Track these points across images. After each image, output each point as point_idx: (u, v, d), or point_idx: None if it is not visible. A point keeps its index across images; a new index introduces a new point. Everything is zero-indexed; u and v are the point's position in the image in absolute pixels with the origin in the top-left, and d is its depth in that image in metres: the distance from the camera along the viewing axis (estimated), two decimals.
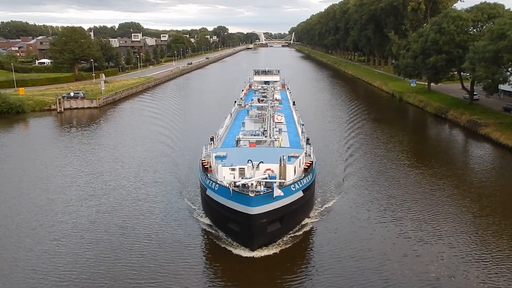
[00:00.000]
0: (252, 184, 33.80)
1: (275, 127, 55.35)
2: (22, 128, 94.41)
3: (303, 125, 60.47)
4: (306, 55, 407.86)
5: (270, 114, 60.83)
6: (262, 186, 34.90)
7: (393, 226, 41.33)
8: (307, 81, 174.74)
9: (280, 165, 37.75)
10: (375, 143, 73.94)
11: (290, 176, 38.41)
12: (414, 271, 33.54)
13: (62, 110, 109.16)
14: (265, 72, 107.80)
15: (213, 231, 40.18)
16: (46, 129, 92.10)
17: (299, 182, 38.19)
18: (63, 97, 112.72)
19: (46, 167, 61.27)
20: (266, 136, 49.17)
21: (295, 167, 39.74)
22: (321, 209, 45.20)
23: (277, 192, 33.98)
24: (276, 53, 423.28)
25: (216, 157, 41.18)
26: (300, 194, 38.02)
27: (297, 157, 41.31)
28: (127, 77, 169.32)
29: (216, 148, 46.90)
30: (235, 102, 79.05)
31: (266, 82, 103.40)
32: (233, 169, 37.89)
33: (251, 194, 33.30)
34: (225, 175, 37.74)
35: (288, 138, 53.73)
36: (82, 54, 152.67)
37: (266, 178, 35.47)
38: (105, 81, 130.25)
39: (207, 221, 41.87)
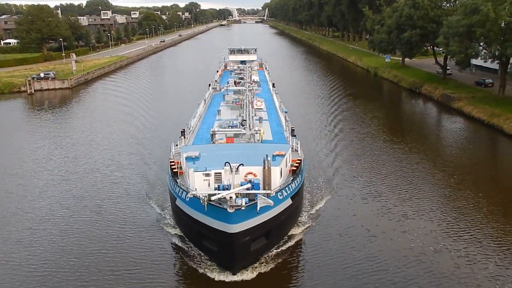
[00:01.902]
0: (230, 197, 27.09)
1: (255, 115, 48.66)
2: None
3: (286, 112, 54.36)
4: (280, 31, 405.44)
5: (249, 100, 53.84)
6: (242, 198, 28.10)
7: (376, 203, 41.58)
8: (282, 58, 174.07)
9: (264, 167, 31.16)
10: (351, 119, 74.36)
11: (276, 181, 32.48)
12: (398, 247, 33.88)
13: (33, 92, 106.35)
14: (241, 51, 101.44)
15: (185, 248, 34.25)
16: (16, 112, 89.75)
17: (287, 188, 32.35)
18: (33, 78, 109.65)
19: (17, 152, 59.79)
20: (245, 128, 42.18)
21: (281, 169, 33.86)
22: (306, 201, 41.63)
23: (262, 204, 28.01)
24: (250, 30, 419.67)
25: (187, 158, 34.59)
26: (288, 202, 32.27)
27: (283, 155, 35.23)
28: (98, 56, 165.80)
29: (187, 145, 40.79)
30: (209, 85, 73.08)
31: (243, 62, 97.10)
32: (207, 175, 31.28)
33: (230, 210, 27.05)
34: (198, 182, 31.24)
35: (270, 129, 47.47)
36: (50, 33, 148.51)
37: (248, 189, 28.59)
38: (76, 61, 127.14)
39: (179, 232, 35.98)
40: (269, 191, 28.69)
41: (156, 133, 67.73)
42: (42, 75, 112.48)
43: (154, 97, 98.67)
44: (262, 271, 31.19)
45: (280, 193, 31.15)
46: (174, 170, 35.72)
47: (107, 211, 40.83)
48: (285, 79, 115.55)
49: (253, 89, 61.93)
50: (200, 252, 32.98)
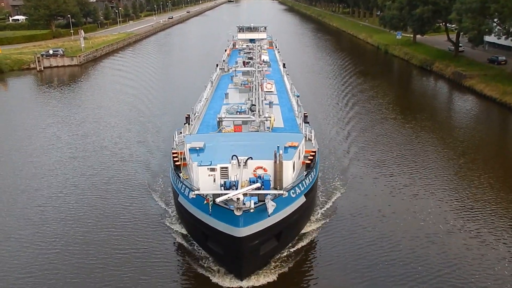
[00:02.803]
0: (238, 199, 24.00)
1: (265, 99, 45.47)
2: (2, 88, 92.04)
3: (298, 96, 50.48)
4: (289, 7, 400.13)
5: (258, 82, 50.15)
6: (251, 198, 24.73)
7: (387, 182, 41.23)
8: (291, 35, 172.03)
9: (275, 162, 28.46)
10: (361, 97, 73.55)
11: (288, 177, 29.73)
12: (410, 228, 33.59)
13: (42, 69, 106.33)
14: (250, 29, 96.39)
15: (189, 247, 31.55)
16: (26, 89, 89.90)
17: (300, 185, 29.47)
18: (42, 55, 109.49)
19: (27, 129, 59.97)
20: (254, 114, 39.11)
21: (294, 163, 30.95)
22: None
23: (273, 206, 25.02)
24: (259, 6, 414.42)
25: (191, 150, 31.59)
26: (302, 200, 29.56)
27: (295, 147, 32.01)
28: (106, 33, 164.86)
29: (192, 134, 37.57)
30: (217, 66, 69.57)
31: (252, 40, 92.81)
32: (212, 170, 28.40)
33: (237, 212, 24.22)
34: (202, 177, 28.54)
35: (281, 115, 44.22)
36: (58, 9, 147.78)
37: (258, 188, 25.65)
38: (85, 38, 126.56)
39: (183, 230, 33.15)
40: (281, 192, 25.64)
41: (164, 110, 67.59)
42: (51, 52, 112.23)
43: (162, 75, 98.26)
44: (275, 277, 28.21)
45: (292, 190, 28.42)
46: (177, 163, 32.59)
47: (116, 189, 40.93)
48: (294, 57, 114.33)
49: (262, 70, 58.52)
50: (205, 253, 30.28)
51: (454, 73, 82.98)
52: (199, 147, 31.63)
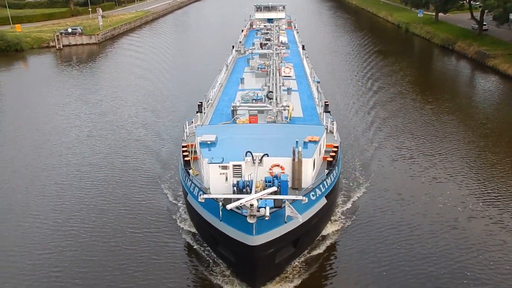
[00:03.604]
0: (251, 205, 21.27)
1: (283, 85, 42.71)
2: (22, 66, 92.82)
3: (318, 82, 46.63)
4: None
5: (276, 66, 47.71)
6: (266, 204, 21.98)
7: (406, 165, 40.55)
8: (309, 13, 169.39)
9: (294, 159, 26.16)
10: (380, 77, 72.22)
11: (308, 176, 27.16)
12: (430, 212, 32.99)
13: (61, 47, 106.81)
14: (268, 8, 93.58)
15: (199, 249, 29.34)
16: (46, 67, 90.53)
17: (321, 186, 26.81)
18: (61, 33, 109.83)
19: (46, 108, 60.46)
20: (271, 103, 36.48)
21: (314, 160, 28.19)
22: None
23: (290, 211, 22.41)
24: None
25: (201, 144, 29.30)
26: (322, 202, 26.95)
27: (316, 142, 29.25)
28: (124, 12, 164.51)
29: (203, 125, 34.98)
30: (233, 47, 66.63)
31: (270, 20, 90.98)
32: (224, 167, 25.83)
33: (251, 220, 21.65)
34: (213, 176, 26.08)
35: (300, 103, 41.03)
36: None
37: (275, 192, 22.78)
38: (103, 16, 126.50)
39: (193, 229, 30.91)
40: (300, 197, 22.28)
41: (181, 89, 67.39)
42: (69, 30, 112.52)
43: (179, 54, 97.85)
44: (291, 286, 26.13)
45: (312, 192, 25.75)
46: (186, 159, 29.93)
47: (132, 168, 41.03)
48: (312, 36, 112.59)
49: (280, 52, 56.46)
50: (215, 256, 28.08)
51: (477, 53, 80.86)
52: (210, 141, 29.35)
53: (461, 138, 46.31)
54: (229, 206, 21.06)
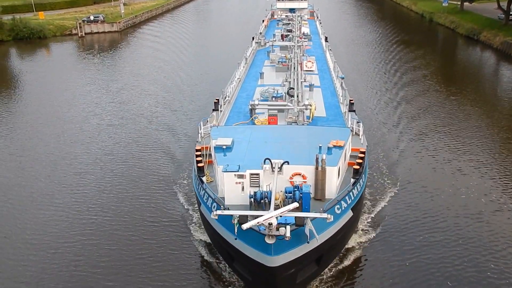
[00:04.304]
0: (270, 224, 19.05)
1: (304, 81, 40.60)
2: (45, 53, 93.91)
3: (343, 78, 43.56)
4: None
5: (297, 60, 45.14)
6: (287, 223, 19.69)
7: (430, 157, 39.90)
8: (331, 2, 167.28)
9: (317, 168, 23.93)
10: (403, 68, 71.11)
11: (333, 186, 24.88)
12: (455, 204, 32.48)
13: (83, 35, 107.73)
14: None
15: (214, 262, 27.42)
16: (68, 55, 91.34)
17: (347, 198, 24.35)
18: (83, 21, 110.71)
19: (68, 96, 61.07)
20: (292, 101, 34.67)
21: (339, 168, 25.77)
22: None
23: (312, 228, 20.11)
24: None
25: (216, 148, 27.08)
26: (348, 215, 24.38)
27: (341, 147, 26.64)
28: None
29: (219, 126, 32.48)
30: (253, 39, 64.32)
31: (292, 10, 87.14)
32: (240, 176, 23.64)
33: (269, 241, 19.66)
34: (228, 185, 23.89)
35: (323, 101, 38.58)
36: None
37: (295, 209, 19.71)
38: (124, 4, 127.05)
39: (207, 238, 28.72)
40: (325, 216, 19.73)
41: (201, 79, 67.36)
42: (91, 18, 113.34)
43: (200, 44, 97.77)
44: None
45: (338, 206, 23.38)
46: (200, 165, 27.64)
47: (152, 158, 41.22)
48: (334, 25, 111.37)
49: (302, 44, 53.84)
50: (231, 271, 26.03)
51: (503, 43, 78.96)
52: (226, 145, 26.98)
53: (485, 130, 45.39)
54: (245, 226, 18.81)
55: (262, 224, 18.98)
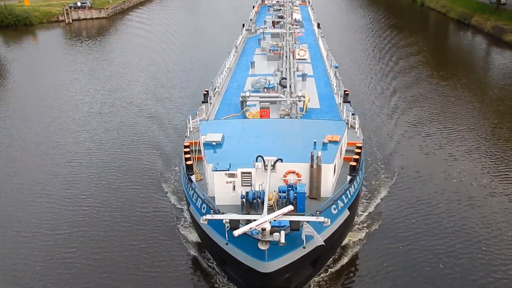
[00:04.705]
0: (263, 229, 18.09)
1: (297, 70, 39.49)
2: (31, 41, 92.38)
3: (336, 67, 41.92)
4: None
5: (290, 48, 44.05)
6: (281, 227, 18.71)
7: (423, 142, 39.79)
8: None
9: (312, 166, 22.87)
10: (394, 53, 70.86)
11: (329, 184, 23.82)
12: (449, 190, 32.36)
13: (71, 21, 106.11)
14: None
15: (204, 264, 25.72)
16: (55, 42, 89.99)
17: (344, 197, 23.12)
18: (70, 7, 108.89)
19: (55, 84, 60.11)
20: (284, 92, 33.39)
21: (335, 166, 24.65)
22: None
23: (309, 231, 18.90)
24: None
25: (205, 145, 25.81)
26: (345, 215, 23.21)
27: (337, 142, 25.60)
28: None
29: (208, 120, 30.97)
30: (243, 26, 62.54)
31: None
32: (231, 175, 22.66)
33: (262, 246, 18.56)
34: (218, 185, 22.86)
35: (316, 91, 37.28)
36: None
37: (289, 212, 18.68)
38: None
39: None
40: (322, 219, 18.52)
41: (191, 65, 66.69)
42: (78, 4, 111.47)
43: (190, 30, 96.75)
44: None
45: (334, 205, 22.08)
46: (188, 163, 25.91)
47: (142, 146, 40.66)
48: (325, 10, 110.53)
49: (294, 32, 52.65)
50: (222, 273, 24.50)
51: (494, 28, 78.87)
52: (216, 142, 25.73)
53: (476, 115, 45.36)
54: (236, 233, 17.60)
55: (255, 228, 17.98)
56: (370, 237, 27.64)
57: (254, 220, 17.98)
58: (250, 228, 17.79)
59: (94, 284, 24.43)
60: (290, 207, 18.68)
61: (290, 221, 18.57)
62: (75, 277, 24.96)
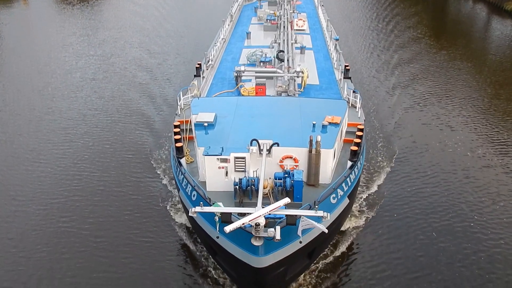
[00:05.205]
0: (257, 224, 16.45)
1: (295, 42, 37.73)
2: (22, 5, 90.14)
3: (337, 39, 39.87)
4: None
5: (287, 18, 41.55)
6: (276, 222, 17.40)
7: (420, 112, 39.60)
8: None
9: (310, 151, 21.30)
10: (392, 22, 69.93)
11: (328, 170, 22.37)
12: (445, 161, 32.33)
13: None
14: None
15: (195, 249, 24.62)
16: (46, 5, 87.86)
17: (343, 185, 21.37)
18: None
19: (47, 49, 58.95)
20: (282, 66, 31.71)
21: (335, 151, 23.07)
22: None
23: (307, 224, 17.01)
24: None
25: (197, 125, 24.00)
26: (345, 203, 21.56)
27: (337, 124, 23.91)
28: None
29: (200, 98, 28.40)
30: None
31: None
32: (224, 160, 21.23)
33: (257, 243, 17.05)
34: (210, 170, 21.50)
35: (315, 66, 35.40)
36: None
37: (285, 205, 16.88)
38: None
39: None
40: (321, 214, 16.64)
41: (187, 30, 65.47)
42: None
43: None
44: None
45: (334, 194, 20.39)
46: (178, 145, 23.41)
47: (141, 111, 40.25)
48: None
49: (293, 0, 49.88)
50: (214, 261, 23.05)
51: None
52: (208, 122, 23.83)
53: (475, 85, 45.08)
54: (227, 229, 15.95)
55: (249, 223, 16.39)
56: (365, 207, 27.68)
57: (247, 213, 16.42)
58: (243, 224, 16.20)
59: (89, 249, 24.39)
60: (286, 200, 16.92)
61: (287, 216, 17.00)
62: (70, 242, 24.90)
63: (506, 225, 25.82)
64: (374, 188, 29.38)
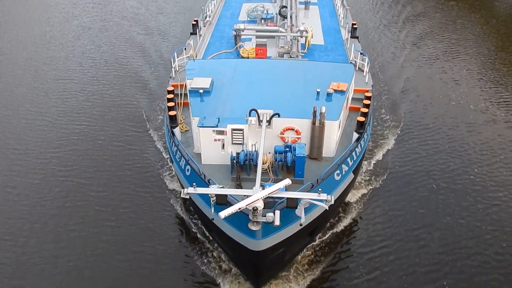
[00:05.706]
0: (255, 209, 14.93)
1: None
2: None
3: None
4: None
5: None
6: (276, 205, 15.89)
7: (427, 66, 38.74)
8: None
9: (314, 123, 19.73)
10: None
11: (332, 144, 20.73)
12: (451, 115, 31.98)
13: None
14: None
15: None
16: None
17: (349, 159, 19.97)
18: None
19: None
20: (284, 24, 29.70)
21: (340, 122, 21.31)
22: None
23: (306, 203, 15.31)
24: None
25: (192, 92, 21.97)
26: (349, 178, 20.30)
27: (343, 92, 21.91)
28: None
29: (196, 60, 26.11)
30: None
31: None
32: (220, 133, 19.68)
33: (254, 227, 15.55)
34: (205, 143, 19.99)
35: (320, 24, 32.91)
36: None
37: (285, 187, 15.38)
38: None
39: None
40: (324, 197, 14.97)
41: None
42: None
43: None
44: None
45: (338, 171, 19.00)
46: (172, 113, 21.72)
47: (140, 61, 39.54)
48: None
49: None
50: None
51: None
52: (203, 89, 21.84)
53: (482, 37, 44.20)
54: (222, 215, 14.47)
55: (246, 207, 14.90)
56: (368, 160, 27.45)
57: (244, 196, 15.01)
58: (239, 208, 14.72)
59: (88, 201, 24.43)
60: (287, 181, 15.45)
61: (287, 199, 15.46)
62: (69, 192, 24.96)
63: (505, 179, 25.81)
64: (376, 138, 29.16)
